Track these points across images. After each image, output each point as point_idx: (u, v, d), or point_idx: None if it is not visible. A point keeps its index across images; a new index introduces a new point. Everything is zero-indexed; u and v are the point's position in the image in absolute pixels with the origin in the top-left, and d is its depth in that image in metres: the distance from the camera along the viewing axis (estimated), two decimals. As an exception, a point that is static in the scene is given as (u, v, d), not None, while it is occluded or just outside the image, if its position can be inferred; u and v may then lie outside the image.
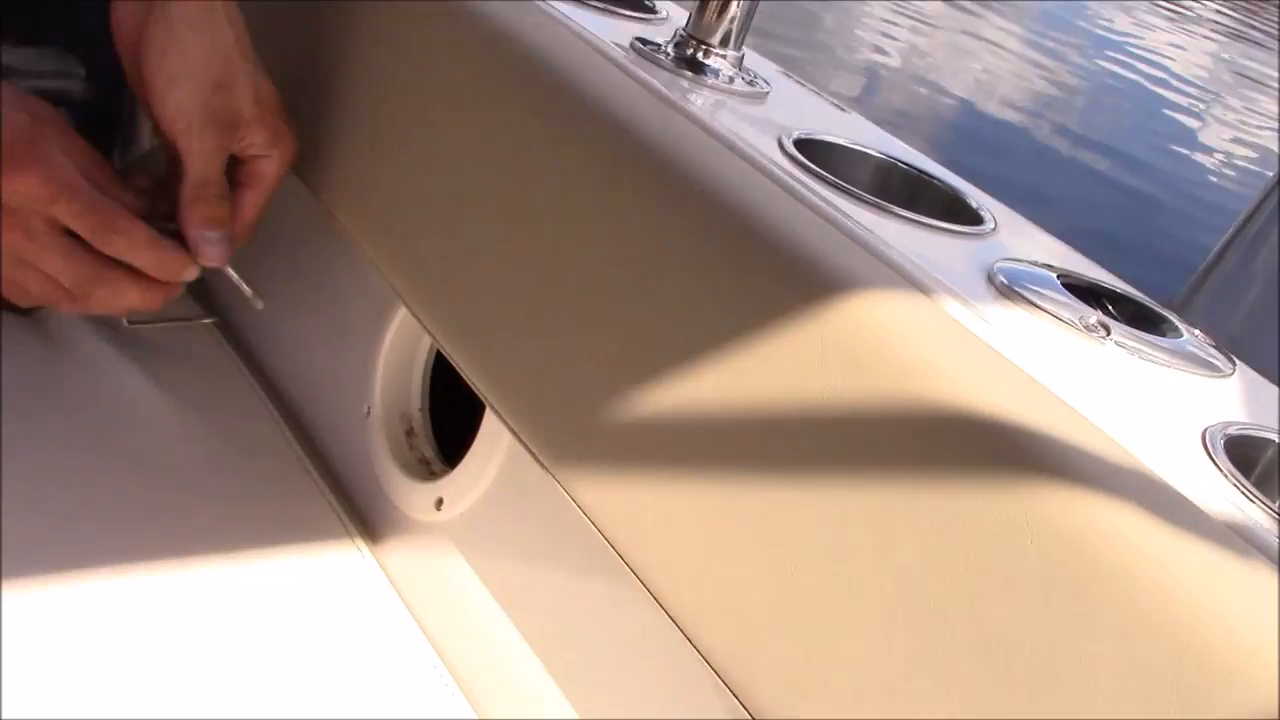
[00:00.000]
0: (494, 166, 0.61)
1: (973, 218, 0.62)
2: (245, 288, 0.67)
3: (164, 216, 0.61)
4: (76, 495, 0.67)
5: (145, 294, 0.60)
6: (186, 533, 0.67)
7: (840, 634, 0.42)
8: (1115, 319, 0.53)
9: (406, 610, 0.68)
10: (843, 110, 0.76)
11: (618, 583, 0.57)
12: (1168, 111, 7.75)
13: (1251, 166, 6.87)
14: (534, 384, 0.56)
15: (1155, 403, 0.48)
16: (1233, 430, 0.47)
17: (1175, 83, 8.85)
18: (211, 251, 0.62)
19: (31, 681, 0.54)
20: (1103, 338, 0.51)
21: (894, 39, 6.97)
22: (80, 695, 0.55)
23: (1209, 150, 7.11)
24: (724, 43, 0.69)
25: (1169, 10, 13.71)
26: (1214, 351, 0.56)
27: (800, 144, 0.62)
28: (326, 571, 0.69)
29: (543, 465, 0.55)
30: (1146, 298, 0.59)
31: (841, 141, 0.67)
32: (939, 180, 0.67)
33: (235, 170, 0.63)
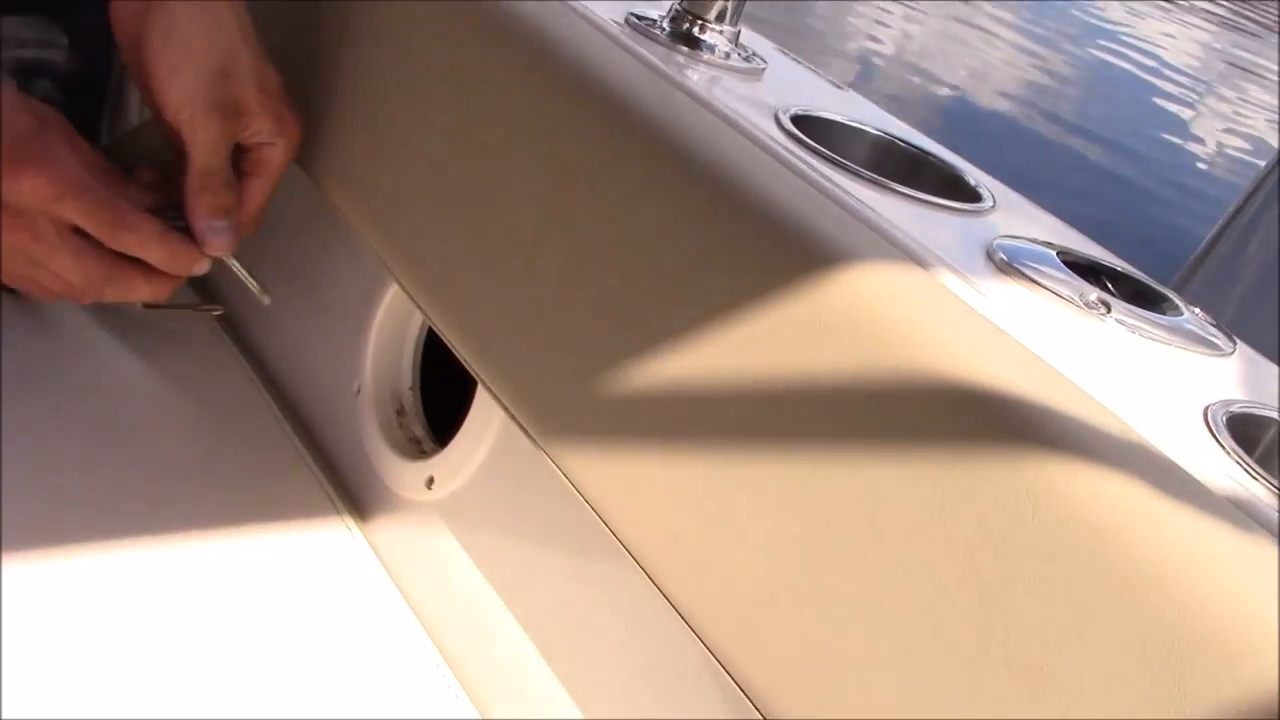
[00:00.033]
0: (487, 141, 0.60)
1: (971, 195, 0.61)
2: (252, 283, 0.67)
3: (171, 210, 0.61)
4: (65, 474, 0.66)
5: (154, 286, 0.61)
6: (175, 512, 0.66)
7: (838, 608, 0.41)
8: (1115, 297, 0.53)
9: (396, 590, 0.67)
10: (839, 88, 0.76)
11: (610, 561, 0.57)
12: (1157, 100, 7.75)
13: (1245, 158, 6.88)
14: (526, 360, 0.55)
15: (1156, 380, 0.47)
16: (1235, 408, 0.46)
17: (1167, 72, 8.86)
18: (218, 241, 0.62)
19: (29, 657, 0.54)
20: (1103, 315, 0.50)
21: (886, 25, 6.96)
22: (76, 670, 0.55)
23: (1200, 140, 7.12)
24: (719, 19, 0.69)
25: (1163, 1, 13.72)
26: (1214, 330, 0.55)
27: (798, 120, 0.61)
28: (316, 551, 0.68)
29: (535, 442, 0.54)
30: (1146, 277, 0.58)
31: (839, 118, 0.66)
32: (937, 158, 0.66)
33: (240, 159, 0.63)
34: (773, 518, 0.43)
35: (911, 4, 7.68)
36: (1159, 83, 8.36)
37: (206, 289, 0.85)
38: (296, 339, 0.82)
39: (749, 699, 0.44)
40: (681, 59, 0.66)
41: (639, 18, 0.69)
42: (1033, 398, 0.40)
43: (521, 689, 0.61)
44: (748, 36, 0.72)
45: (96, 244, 0.58)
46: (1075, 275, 0.53)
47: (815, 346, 0.44)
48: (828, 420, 0.43)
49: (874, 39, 6.56)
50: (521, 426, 0.55)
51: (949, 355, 0.41)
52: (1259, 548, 0.36)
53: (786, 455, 0.44)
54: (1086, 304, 0.51)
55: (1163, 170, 5.97)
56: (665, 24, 0.69)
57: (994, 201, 0.61)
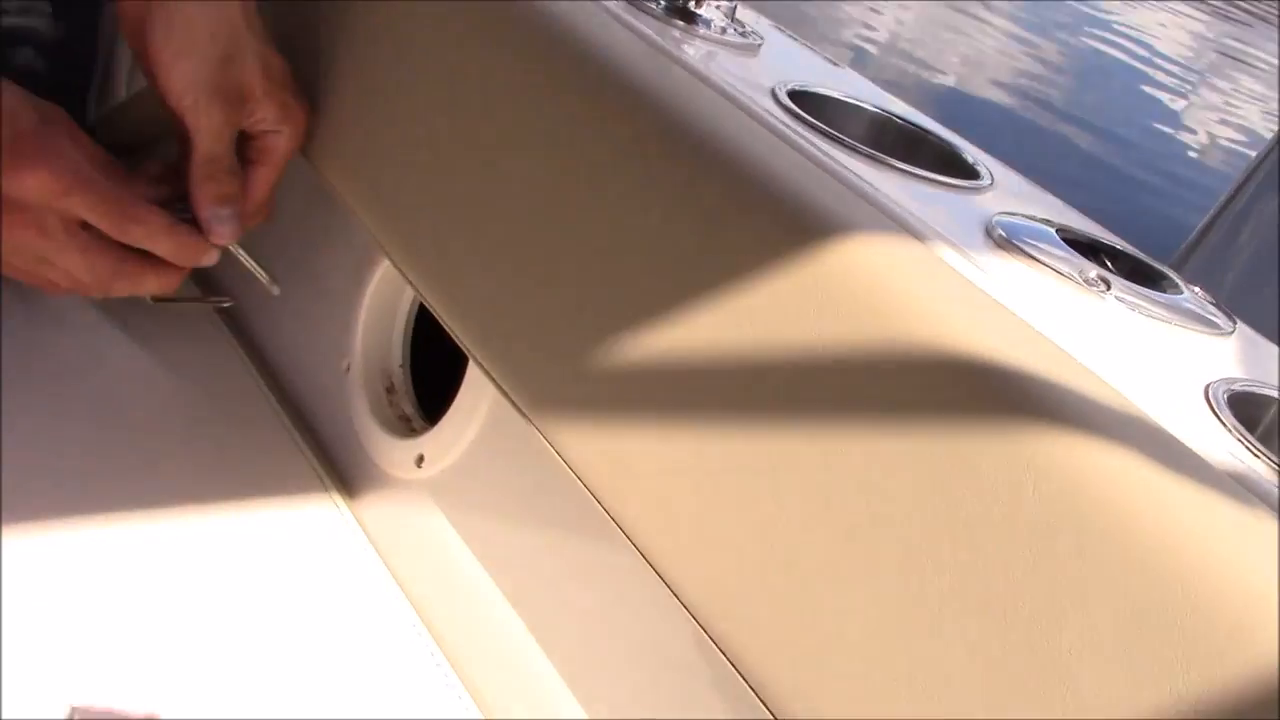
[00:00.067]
0: (480, 115, 0.60)
1: (969, 172, 0.61)
2: (261, 273, 0.67)
3: (178, 202, 0.61)
4: (59, 450, 0.66)
5: (163, 279, 0.61)
6: (163, 489, 0.66)
7: (835, 584, 0.40)
8: (1114, 275, 0.52)
9: (385, 568, 0.67)
10: (836, 65, 0.75)
11: (602, 539, 0.56)
12: (1148, 88, 7.76)
13: (1237, 148, 6.89)
14: (518, 334, 0.55)
15: (1157, 357, 0.47)
16: (1236, 386, 0.46)
17: (1159, 60, 8.86)
18: (223, 229, 0.61)
19: (27, 628, 0.54)
20: (1103, 292, 0.50)
21: (879, 13, 6.95)
22: (73, 643, 0.55)
23: (1191, 130, 7.12)
24: (716, -7, 0.68)
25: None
26: (1214, 309, 0.55)
27: (795, 96, 0.61)
28: (305, 529, 0.68)
29: (527, 418, 0.53)
30: (1145, 255, 0.58)
31: (836, 95, 0.66)
32: (934, 135, 0.65)
33: (245, 147, 0.63)
34: (768, 493, 0.43)
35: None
36: (1151, 71, 8.37)
37: (206, 280, 0.84)
38: (285, 317, 0.81)
39: (740, 674, 0.43)
40: (678, 34, 0.66)
41: (635, -9, 0.68)
42: (1033, 372, 0.39)
43: (510, 666, 0.61)
44: (744, 13, 0.71)
45: (104, 239, 0.58)
46: (1075, 252, 0.53)
47: (813, 320, 0.43)
48: (826, 395, 0.42)
49: (868, 26, 6.55)
50: (513, 402, 0.54)
51: (949, 329, 0.41)
52: (1260, 522, 0.36)
53: (783, 430, 0.43)
54: (1086, 281, 0.50)
55: (1154, 159, 5.98)
56: (661, -2, 0.68)
57: (992, 179, 0.61)
